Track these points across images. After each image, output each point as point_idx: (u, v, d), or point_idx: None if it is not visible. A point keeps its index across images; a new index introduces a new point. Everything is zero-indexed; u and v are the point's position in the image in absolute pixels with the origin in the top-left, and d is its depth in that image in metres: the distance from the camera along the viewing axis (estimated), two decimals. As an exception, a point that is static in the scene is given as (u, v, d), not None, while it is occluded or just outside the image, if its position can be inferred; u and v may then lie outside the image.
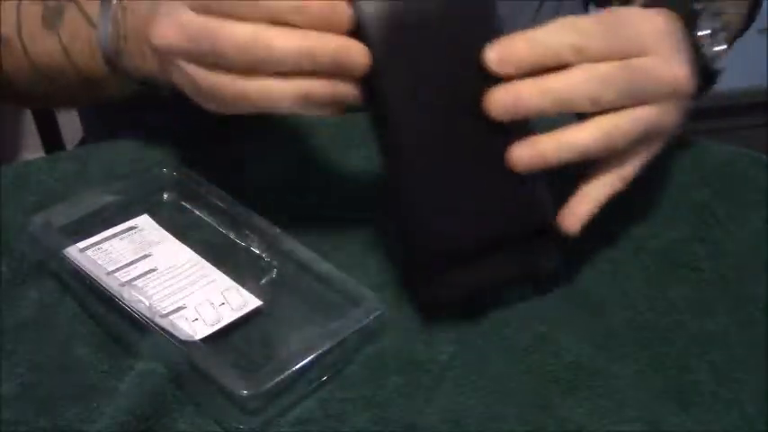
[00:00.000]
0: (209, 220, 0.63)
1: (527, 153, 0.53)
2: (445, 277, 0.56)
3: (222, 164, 0.68)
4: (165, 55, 0.56)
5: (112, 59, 0.65)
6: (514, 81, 0.53)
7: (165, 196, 0.64)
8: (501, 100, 0.53)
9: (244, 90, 0.53)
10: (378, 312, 0.55)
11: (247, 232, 0.61)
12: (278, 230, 0.60)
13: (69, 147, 1.14)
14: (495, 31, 0.53)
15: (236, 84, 0.53)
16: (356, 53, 0.52)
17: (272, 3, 0.52)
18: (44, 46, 0.68)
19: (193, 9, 0.54)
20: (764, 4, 0.71)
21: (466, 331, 0.57)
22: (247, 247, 0.61)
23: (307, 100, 0.53)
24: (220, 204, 0.62)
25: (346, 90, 0.53)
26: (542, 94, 0.53)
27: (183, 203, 0.64)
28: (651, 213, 0.66)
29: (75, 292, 0.57)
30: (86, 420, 0.50)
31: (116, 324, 0.55)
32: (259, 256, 0.60)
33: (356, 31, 0.52)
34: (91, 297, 0.56)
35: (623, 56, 0.54)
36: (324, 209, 0.65)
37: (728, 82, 0.64)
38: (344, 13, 0.52)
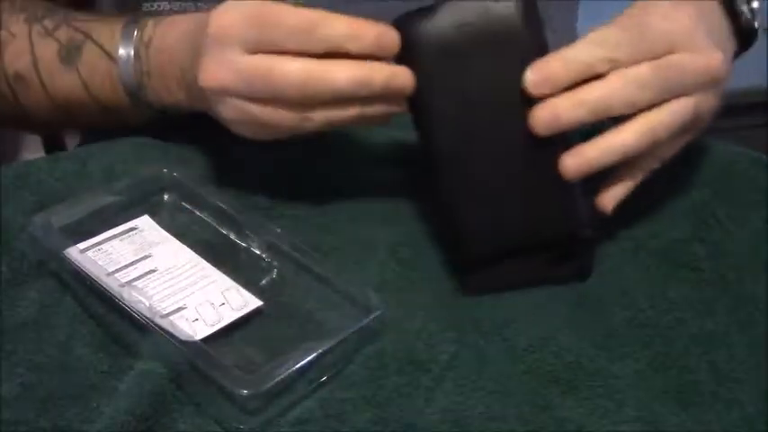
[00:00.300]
0: (209, 221, 0.63)
1: (575, 162, 0.56)
2: (486, 273, 0.59)
3: (222, 164, 0.67)
4: (217, 95, 0.58)
5: (134, 93, 0.67)
6: (552, 98, 0.55)
7: (166, 197, 0.64)
8: (542, 117, 0.55)
9: (303, 122, 0.57)
10: (378, 312, 0.55)
11: (247, 232, 0.61)
12: (278, 230, 0.60)
13: (69, 147, 1.14)
14: (533, 50, 0.55)
15: (295, 117, 0.56)
16: (404, 78, 0.56)
17: (329, 32, 0.55)
18: (63, 81, 0.69)
19: (244, 48, 0.56)
20: (764, 5, 0.71)
21: (466, 331, 0.57)
22: (247, 247, 0.61)
23: (362, 122, 0.58)
24: (220, 204, 0.62)
25: (395, 107, 0.57)
26: (579, 106, 0.55)
27: (184, 204, 0.64)
28: (651, 213, 0.66)
29: (76, 292, 0.57)
30: (86, 420, 0.50)
31: (116, 324, 0.54)
32: (259, 256, 0.60)
33: (402, 55, 0.56)
34: (91, 297, 0.56)
35: (653, 57, 0.56)
36: (324, 207, 0.65)
37: (728, 82, 0.64)
38: (394, 38, 0.55)
